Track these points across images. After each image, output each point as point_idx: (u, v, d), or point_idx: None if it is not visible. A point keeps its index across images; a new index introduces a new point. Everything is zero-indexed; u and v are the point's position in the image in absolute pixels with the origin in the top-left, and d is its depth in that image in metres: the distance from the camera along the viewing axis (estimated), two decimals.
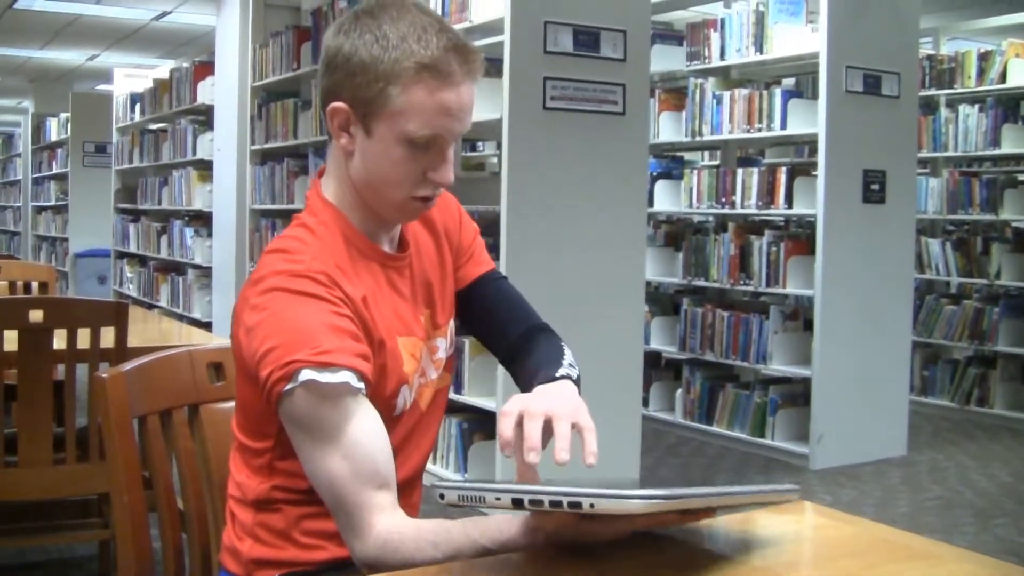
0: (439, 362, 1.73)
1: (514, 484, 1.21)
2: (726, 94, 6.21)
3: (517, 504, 1.19)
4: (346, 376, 1.44)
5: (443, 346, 1.75)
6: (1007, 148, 7.05)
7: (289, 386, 1.44)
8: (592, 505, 1.14)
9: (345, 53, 1.54)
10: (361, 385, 1.47)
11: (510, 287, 1.85)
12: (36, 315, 2.91)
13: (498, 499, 1.20)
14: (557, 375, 1.58)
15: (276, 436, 1.57)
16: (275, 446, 1.59)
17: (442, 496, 1.24)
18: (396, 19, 1.53)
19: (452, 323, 1.79)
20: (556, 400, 1.45)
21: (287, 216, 6.69)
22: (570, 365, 1.66)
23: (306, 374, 1.43)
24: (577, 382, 1.63)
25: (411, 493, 1.68)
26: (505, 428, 1.41)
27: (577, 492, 1.15)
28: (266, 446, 1.60)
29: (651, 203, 6.35)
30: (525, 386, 1.65)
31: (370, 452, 1.46)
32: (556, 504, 1.16)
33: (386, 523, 1.43)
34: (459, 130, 1.57)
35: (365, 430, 1.46)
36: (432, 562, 1.36)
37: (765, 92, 6.02)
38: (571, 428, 1.41)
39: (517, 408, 1.42)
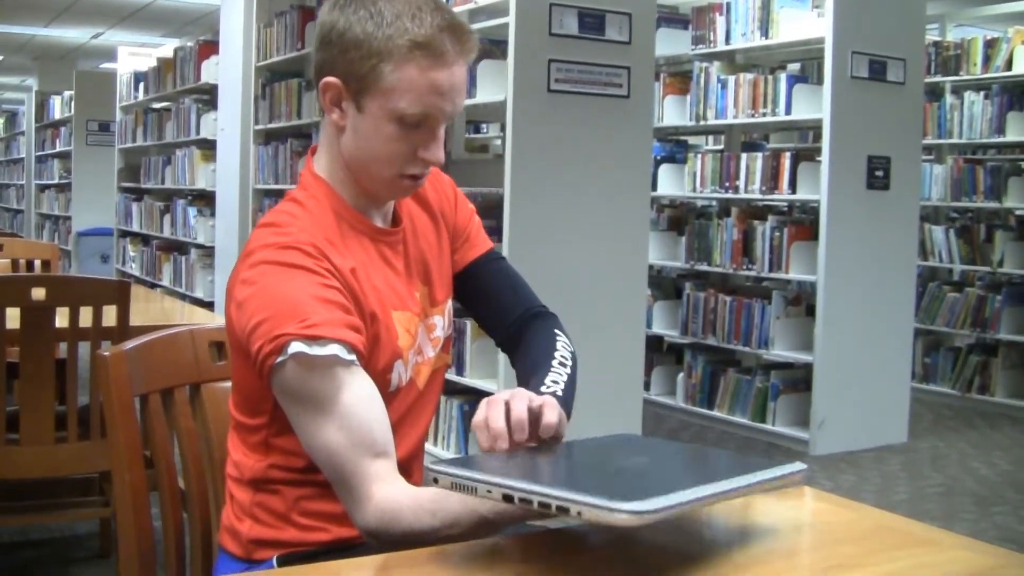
0: (436, 340, 1.73)
1: (506, 479, 1.21)
2: (731, 78, 6.19)
3: (507, 499, 1.20)
4: (335, 349, 1.45)
5: (440, 324, 1.74)
6: (1012, 136, 7.04)
7: (280, 359, 1.45)
8: (580, 513, 1.14)
9: (339, 29, 1.55)
10: (352, 357, 1.47)
11: (508, 268, 1.85)
12: (38, 293, 2.92)
13: (489, 492, 1.21)
14: (540, 391, 1.56)
15: (271, 412, 1.57)
16: (270, 422, 1.59)
17: (436, 480, 1.25)
18: None
19: (450, 302, 1.79)
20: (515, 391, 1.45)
21: None
22: (560, 364, 1.66)
23: (295, 347, 1.44)
24: (569, 383, 1.62)
25: (410, 473, 1.67)
26: (483, 441, 1.40)
27: (566, 497, 1.15)
28: (261, 422, 1.60)
29: (655, 187, 6.34)
30: (520, 384, 1.65)
31: (366, 421, 1.46)
32: (545, 506, 1.16)
33: (385, 492, 1.43)
34: (450, 110, 1.57)
35: (359, 400, 1.46)
36: (431, 530, 1.36)
37: (770, 77, 6.01)
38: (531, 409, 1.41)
39: (483, 414, 1.41)
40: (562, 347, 1.71)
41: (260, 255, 1.52)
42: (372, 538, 1.45)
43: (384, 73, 1.52)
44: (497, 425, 1.38)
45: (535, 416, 1.40)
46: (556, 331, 1.76)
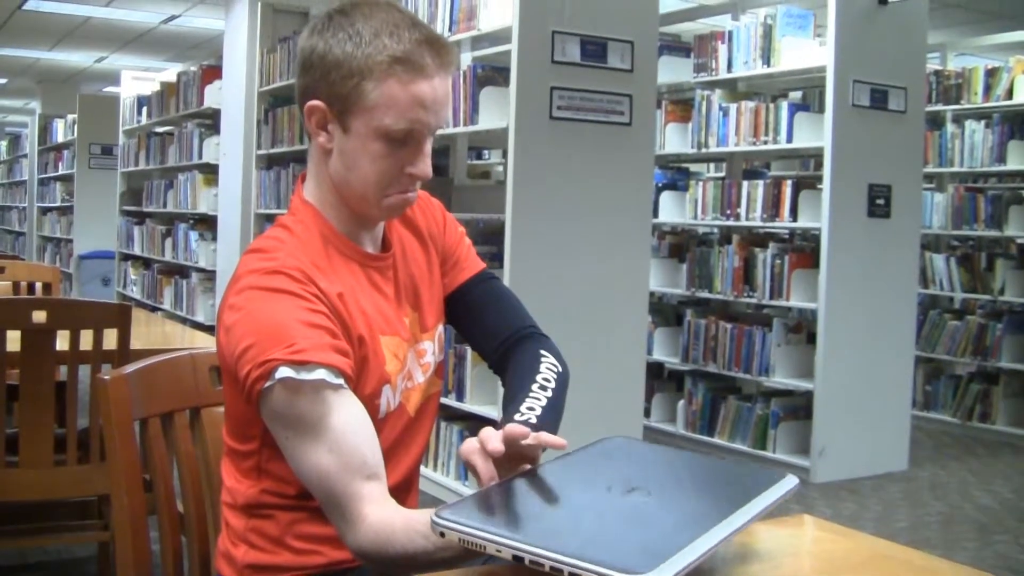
0: (427, 366, 1.73)
1: (517, 539, 1.20)
2: (733, 106, 6.21)
3: (517, 560, 1.19)
4: (322, 373, 1.45)
5: (431, 350, 1.74)
6: (1013, 164, 7.05)
7: (267, 384, 1.45)
8: None
9: (319, 52, 1.56)
10: (339, 380, 1.47)
11: (499, 288, 1.84)
12: (39, 316, 2.92)
13: (499, 551, 1.20)
14: (515, 420, 1.54)
15: (261, 437, 1.57)
16: (261, 448, 1.59)
17: (443, 534, 1.23)
18: (369, 16, 1.55)
19: (441, 328, 1.78)
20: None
21: None
22: (540, 388, 1.64)
23: (282, 372, 1.44)
24: (548, 407, 1.60)
25: (404, 499, 1.67)
26: (483, 472, 1.41)
27: (581, 566, 1.15)
28: (252, 448, 1.60)
29: (656, 214, 6.35)
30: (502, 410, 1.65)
31: (356, 443, 1.46)
32: (557, 571, 1.16)
33: (378, 514, 1.43)
34: (435, 123, 1.58)
35: (348, 422, 1.46)
36: (424, 553, 1.36)
37: (772, 105, 6.02)
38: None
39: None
40: (545, 368, 1.69)
41: (247, 280, 1.53)
42: (365, 560, 1.44)
43: (366, 91, 1.53)
44: (488, 474, 1.39)
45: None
46: (542, 352, 1.74)
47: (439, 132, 1.65)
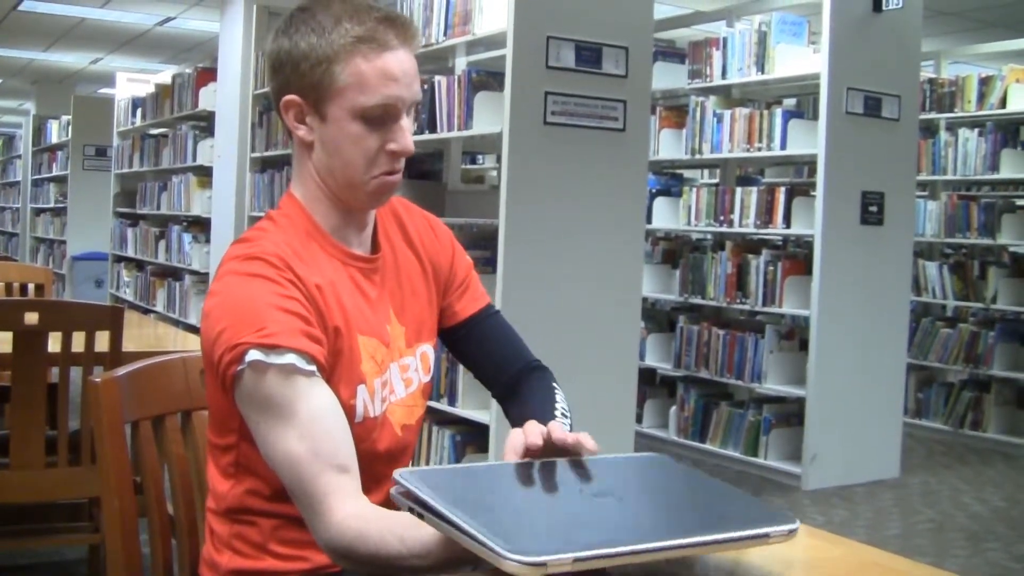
0: (409, 381, 1.72)
1: (446, 508, 1.18)
2: (727, 113, 6.22)
3: (416, 511, 1.19)
4: (292, 358, 1.46)
5: (414, 365, 1.74)
6: (1006, 173, 7.07)
7: (239, 368, 1.45)
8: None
9: (286, 49, 1.60)
10: (311, 367, 1.47)
11: (505, 322, 1.87)
12: (31, 317, 2.91)
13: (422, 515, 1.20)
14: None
15: (239, 430, 1.57)
16: (239, 441, 1.59)
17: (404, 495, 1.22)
18: (327, 7, 1.59)
19: (430, 349, 1.78)
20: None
21: None
22: (563, 414, 1.69)
23: (253, 355, 1.45)
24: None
25: None
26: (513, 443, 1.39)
27: (464, 528, 1.13)
28: (231, 442, 1.60)
29: (649, 220, 6.36)
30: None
31: (326, 431, 1.46)
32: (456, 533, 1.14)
33: (350, 508, 1.41)
34: (407, 96, 1.60)
35: (319, 410, 1.46)
36: (398, 556, 1.31)
37: (766, 112, 6.03)
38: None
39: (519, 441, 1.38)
40: (560, 400, 1.74)
41: (226, 267, 1.56)
42: (332, 554, 1.42)
43: (336, 74, 1.56)
44: (534, 438, 1.36)
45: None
46: (554, 384, 1.79)
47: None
